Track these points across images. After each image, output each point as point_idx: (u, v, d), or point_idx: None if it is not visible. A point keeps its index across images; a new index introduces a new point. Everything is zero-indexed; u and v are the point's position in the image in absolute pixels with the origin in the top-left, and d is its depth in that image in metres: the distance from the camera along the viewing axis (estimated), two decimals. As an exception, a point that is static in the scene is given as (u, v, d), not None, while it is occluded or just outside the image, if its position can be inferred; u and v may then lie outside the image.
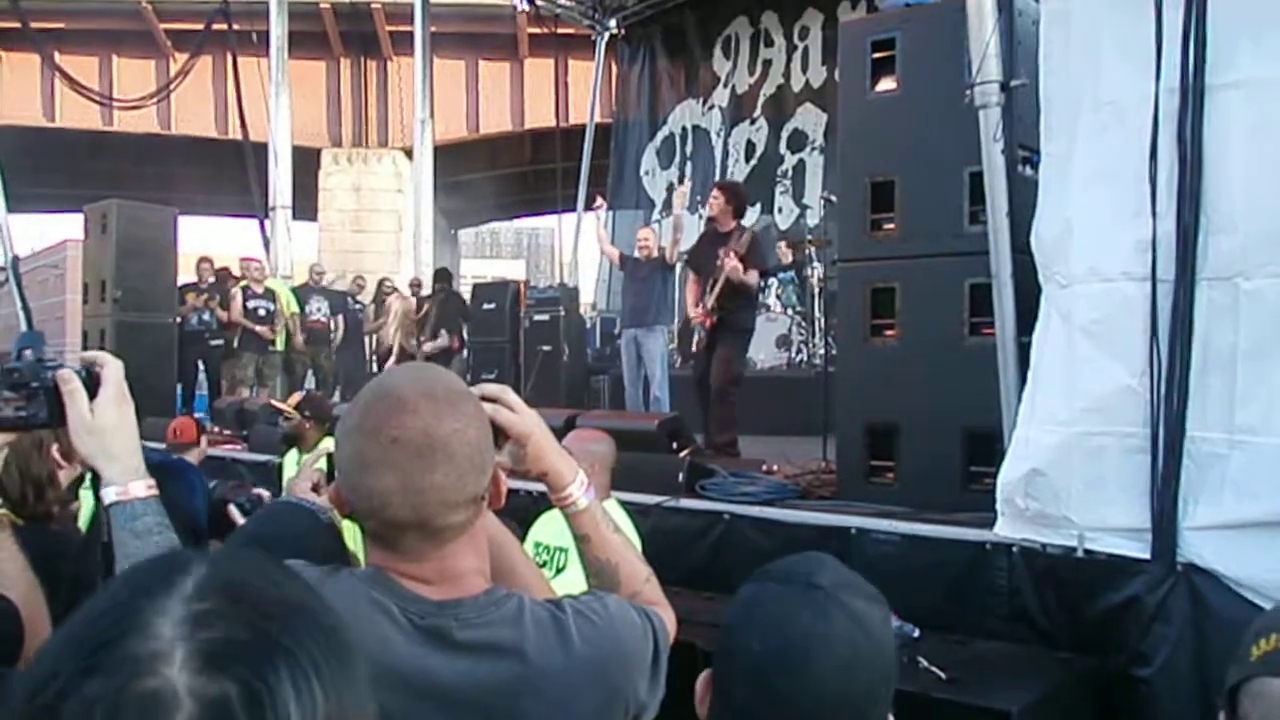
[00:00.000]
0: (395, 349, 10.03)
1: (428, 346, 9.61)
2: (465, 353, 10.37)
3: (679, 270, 7.37)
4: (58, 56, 14.63)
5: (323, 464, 1.89)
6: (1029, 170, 3.91)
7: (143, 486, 1.26)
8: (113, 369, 1.28)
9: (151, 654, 0.53)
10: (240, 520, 2.06)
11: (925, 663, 3.12)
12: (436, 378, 1.15)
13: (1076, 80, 3.44)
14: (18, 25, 10.35)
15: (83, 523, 2.06)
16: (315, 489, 1.87)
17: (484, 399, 1.25)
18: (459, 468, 1.08)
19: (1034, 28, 3.75)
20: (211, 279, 10.00)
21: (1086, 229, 3.35)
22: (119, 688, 0.52)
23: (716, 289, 5.94)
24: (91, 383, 1.25)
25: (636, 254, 7.24)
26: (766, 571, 1.07)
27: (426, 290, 10.89)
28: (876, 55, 4.53)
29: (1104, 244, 3.30)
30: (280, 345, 9.87)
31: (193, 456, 4.63)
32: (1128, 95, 3.23)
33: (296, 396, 5.24)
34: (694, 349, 6.27)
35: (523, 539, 3.09)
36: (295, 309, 10.02)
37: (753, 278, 5.99)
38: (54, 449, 1.98)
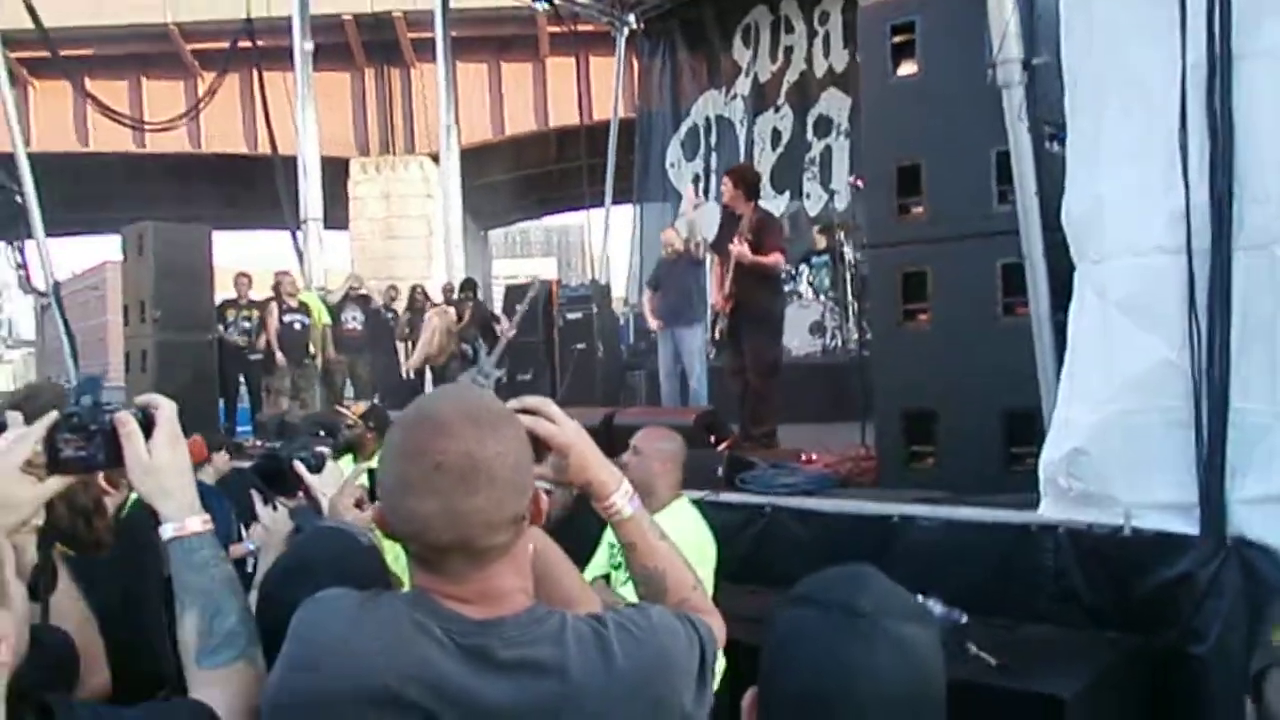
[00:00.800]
0: (434, 359, 10.09)
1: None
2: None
3: (708, 261, 7.37)
4: (88, 82, 14.92)
5: (364, 480, 1.93)
6: (1056, 147, 3.86)
7: (198, 522, 1.31)
8: (166, 410, 1.33)
9: None
10: (307, 476, 2.12)
11: (975, 649, 3.11)
12: (478, 400, 1.17)
13: (1101, 55, 3.39)
14: (48, 55, 10.57)
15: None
16: (359, 505, 1.91)
17: (524, 411, 1.27)
18: (500, 490, 1.09)
19: (1054, 3, 3.69)
20: (251, 294, 10.15)
21: (1118, 204, 3.31)
22: None
23: (730, 274, 5.88)
24: (147, 424, 1.31)
25: (662, 254, 7.31)
26: (806, 593, 1.04)
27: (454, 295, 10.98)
28: (896, 39, 4.50)
29: (1137, 218, 3.25)
30: (316, 357, 10.01)
31: (207, 474, 4.71)
32: (1155, 68, 3.18)
33: (362, 406, 5.31)
34: (717, 335, 6.23)
35: (598, 540, 3.11)
36: (327, 320, 10.15)
37: (772, 259, 5.85)
38: (100, 476, 2.03)
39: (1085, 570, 3.42)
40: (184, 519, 1.30)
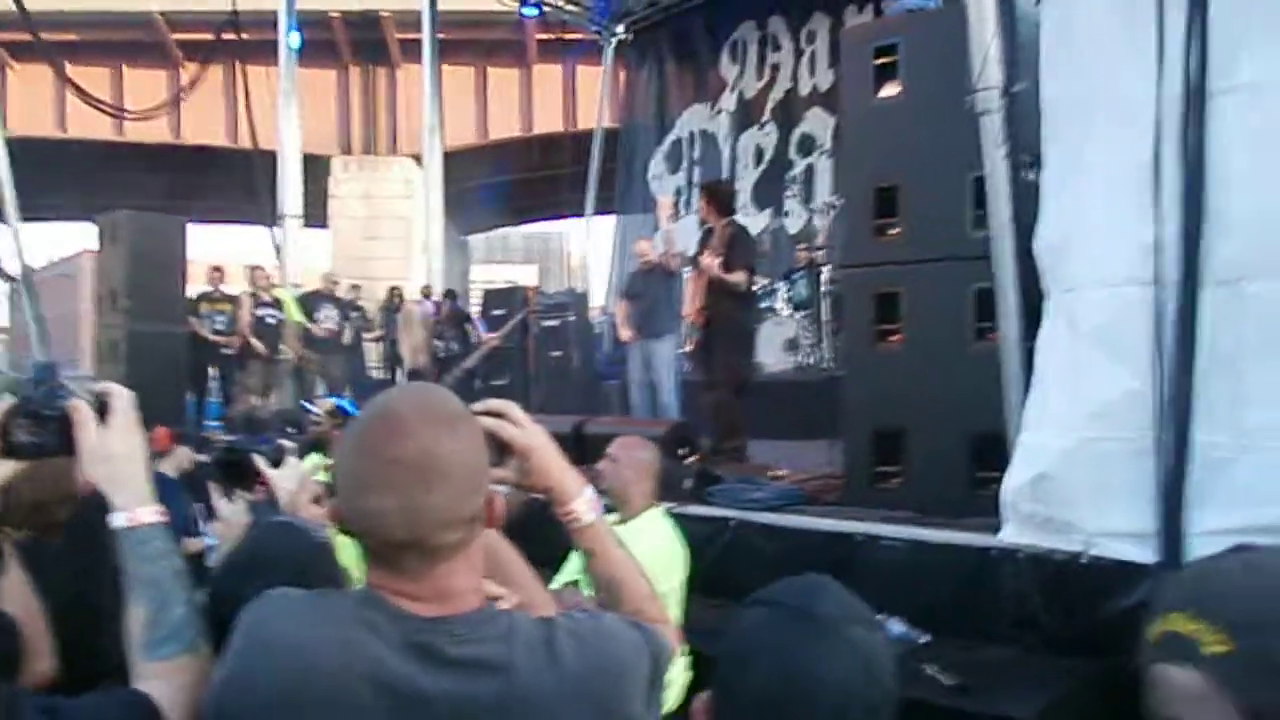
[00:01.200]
0: (415, 356, 10.04)
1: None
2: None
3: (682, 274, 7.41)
4: (69, 68, 14.74)
5: (323, 475, 1.91)
6: (1032, 175, 3.91)
7: (151, 512, 1.30)
8: (123, 399, 1.32)
9: None
10: (266, 469, 2.08)
11: (932, 670, 3.12)
12: (436, 399, 1.17)
13: (1079, 85, 3.44)
14: (29, 38, 10.45)
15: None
16: (317, 501, 1.89)
17: (488, 413, 1.27)
18: (457, 489, 1.09)
19: (1036, 32, 3.74)
20: (224, 288, 10.07)
21: (1090, 234, 3.35)
22: None
23: (702, 287, 5.90)
24: (102, 412, 1.29)
25: (636, 265, 7.33)
26: (763, 598, 1.06)
27: (436, 297, 10.94)
28: (879, 61, 4.54)
29: (1107, 249, 3.29)
30: (287, 354, 9.94)
31: (168, 465, 4.65)
32: (1130, 100, 3.23)
33: (329, 403, 5.27)
34: (690, 348, 6.26)
35: (569, 548, 3.09)
36: (300, 318, 10.09)
37: (739, 277, 5.86)
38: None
39: (1045, 595, 3.44)
40: (135, 509, 1.29)
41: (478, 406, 1.29)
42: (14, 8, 8.89)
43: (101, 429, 1.29)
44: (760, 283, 7.80)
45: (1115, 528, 3.25)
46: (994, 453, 3.91)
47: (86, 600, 1.57)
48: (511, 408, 1.32)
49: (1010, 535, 3.50)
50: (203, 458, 6.07)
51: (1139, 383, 3.18)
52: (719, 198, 6.13)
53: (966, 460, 4.14)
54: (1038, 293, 3.57)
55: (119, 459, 1.30)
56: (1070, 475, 3.31)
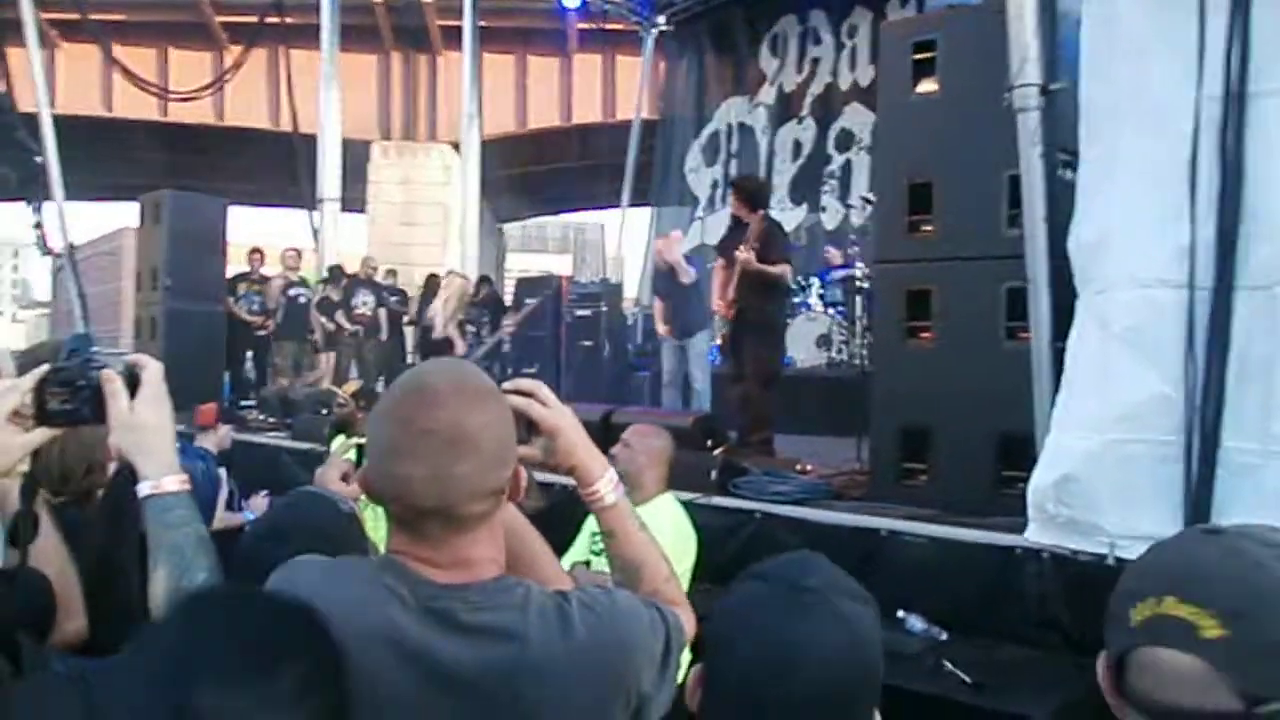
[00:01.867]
0: (445, 325, 10.08)
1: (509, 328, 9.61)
2: (503, 348, 10.47)
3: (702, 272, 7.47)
4: (116, 49, 14.98)
5: (352, 455, 1.96)
6: (1069, 174, 3.87)
7: (175, 481, 1.34)
8: (153, 370, 1.36)
9: None
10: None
11: (950, 666, 3.13)
12: (468, 373, 1.20)
13: (1118, 85, 3.40)
14: (77, 17, 10.65)
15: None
16: (344, 478, 1.94)
17: (518, 393, 1.31)
18: (484, 460, 1.13)
19: (1076, 30, 3.71)
20: (263, 270, 10.20)
21: (1124, 235, 3.32)
22: None
23: (734, 281, 5.89)
24: (133, 383, 1.34)
25: (656, 263, 7.37)
26: (756, 571, 1.08)
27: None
28: (918, 56, 4.52)
29: (1142, 250, 3.26)
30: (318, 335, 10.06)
31: (209, 440, 4.74)
32: (1170, 101, 3.19)
33: (354, 385, 5.35)
34: (719, 341, 6.26)
35: (579, 529, 3.14)
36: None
37: (781, 269, 5.88)
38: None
39: (1068, 596, 3.43)
40: (161, 477, 1.33)
41: (508, 385, 1.32)
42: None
43: (131, 400, 1.34)
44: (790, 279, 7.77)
45: (1141, 531, 3.22)
46: (1021, 452, 3.89)
47: (115, 564, 1.62)
48: (540, 387, 1.35)
49: (1035, 535, 3.48)
50: (241, 437, 6.18)
51: (1168, 386, 3.15)
52: (749, 192, 6.11)
53: (993, 459, 4.13)
54: (1070, 293, 3.55)
55: (147, 429, 1.34)
56: (1096, 477, 3.29)
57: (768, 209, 6.22)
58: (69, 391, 1.33)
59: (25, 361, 1.87)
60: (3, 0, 7.58)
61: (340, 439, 5.02)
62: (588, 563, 3.05)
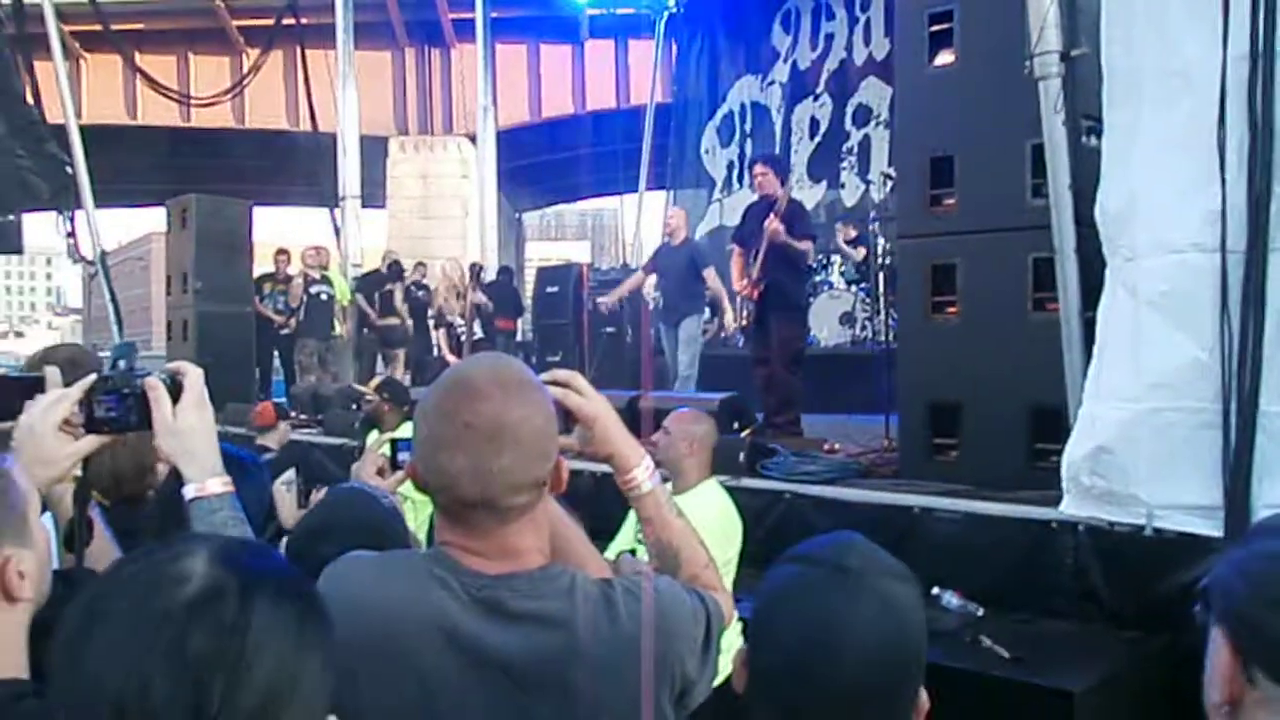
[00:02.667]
0: (440, 313, 10.13)
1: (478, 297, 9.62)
2: (522, 337, 10.50)
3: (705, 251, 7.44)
4: (138, 57, 15.13)
5: (386, 449, 1.98)
6: (1092, 140, 3.82)
7: (219, 483, 1.37)
8: (194, 376, 1.40)
9: (181, 552, 0.80)
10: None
11: (988, 642, 3.12)
12: (509, 367, 1.23)
13: (1141, 48, 3.35)
14: (99, 28, 10.76)
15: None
16: (380, 473, 1.97)
17: (554, 384, 1.32)
18: (526, 453, 1.15)
19: (1096, -5, 3.65)
20: (289, 270, 10.29)
21: (1153, 200, 3.27)
22: (155, 564, 0.80)
23: (760, 258, 5.84)
24: (175, 389, 1.37)
25: (663, 237, 7.24)
26: (797, 553, 1.09)
27: (491, 276, 11.06)
28: (934, 28, 4.47)
29: (1172, 215, 3.22)
30: (340, 331, 10.14)
31: (273, 439, 4.81)
32: (1196, 63, 3.14)
33: (376, 380, 5.41)
34: (744, 323, 6.23)
35: (624, 516, 3.15)
36: (349, 297, 10.26)
37: (806, 245, 5.87)
38: None
39: (1106, 569, 3.41)
40: (205, 480, 1.36)
41: (545, 376, 1.33)
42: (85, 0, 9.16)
43: (175, 405, 1.37)
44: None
45: (1179, 500, 3.20)
46: (1053, 425, 3.86)
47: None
48: (576, 377, 1.37)
49: (1070, 508, 3.45)
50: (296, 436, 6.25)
51: (1204, 352, 3.11)
52: (779, 166, 6.09)
53: (1025, 433, 4.10)
54: (1099, 262, 3.51)
55: (190, 433, 1.37)
56: (1132, 447, 3.25)
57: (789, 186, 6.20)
58: (115, 399, 1.37)
59: (39, 361, 1.91)
60: (28, 15, 7.66)
61: (374, 434, 5.08)
62: (633, 551, 3.06)
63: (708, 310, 10.62)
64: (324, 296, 9.86)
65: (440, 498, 1.18)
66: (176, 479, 1.51)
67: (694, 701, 1.26)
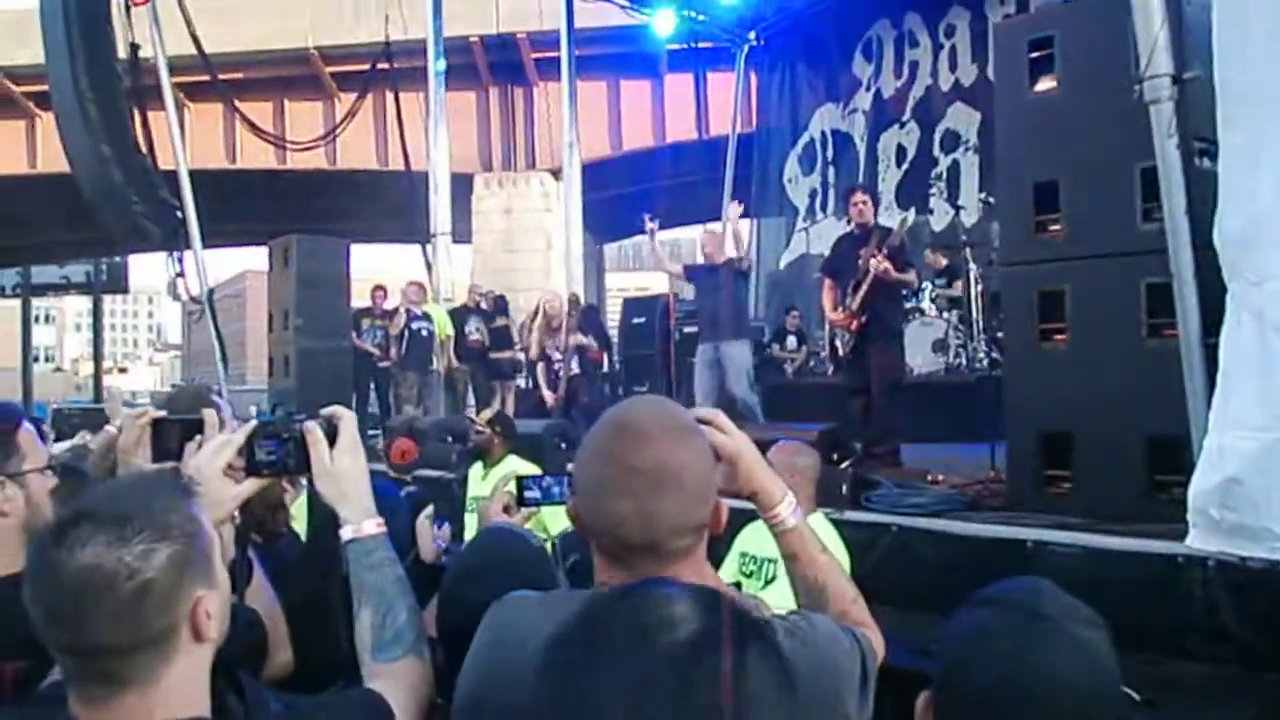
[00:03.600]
0: (536, 349, 10.25)
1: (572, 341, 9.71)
2: (608, 367, 10.57)
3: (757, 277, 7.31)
4: (238, 104, 15.84)
5: (511, 487, 2.01)
6: (1206, 163, 3.72)
7: (373, 525, 1.43)
8: (348, 421, 1.47)
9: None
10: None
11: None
12: (671, 411, 1.24)
13: (1258, 67, 3.27)
14: (205, 78, 11.32)
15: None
16: (506, 510, 2.00)
17: (698, 421, 1.32)
18: (689, 498, 1.16)
19: (1204, 16, 3.57)
20: (385, 305, 10.57)
21: (1277, 224, 3.17)
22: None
23: (862, 290, 5.82)
24: (331, 433, 1.43)
25: (700, 259, 7.18)
26: (985, 599, 1.08)
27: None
28: (1034, 54, 4.42)
29: (1299, 238, 3.11)
30: (438, 365, 10.33)
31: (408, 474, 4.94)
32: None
33: (488, 413, 5.50)
34: (841, 354, 6.17)
35: (728, 549, 3.16)
36: (450, 331, 10.46)
37: (910, 276, 5.93)
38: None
39: (1239, 606, 3.27)
40: (361, 522, 1.43)
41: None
42: (192, 51, 9.63)
43: (331, 450, 1.44)
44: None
45: (1315, 534, 3.06)
46: (1173, 455, 3.74)
47: (325, 603, 1.71)
48: (719, 415, 1.37)
49: (1198, 542, 3.34)
50: (373, 466, 6.39)
51: (1338, 379, 2.99)
52: (876, 199, 6.14)
53: (1143, 464, 3.97)
54: (1218, 286, 3.40)
55: (346, 477, 1.44)
56: (1263, 478, 3.14)
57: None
58: (276, 444, 1.45)
59: (167, 404, 2.00)
60: (142, 69, 8.11)
61: (478, 466, 5.17)
62: (738, 584, 3.07)
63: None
64: (424, 332, 10.08)
65: (603, 541, 1.19)
66: (325, 523, 1.57)
67: None
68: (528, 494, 1.92)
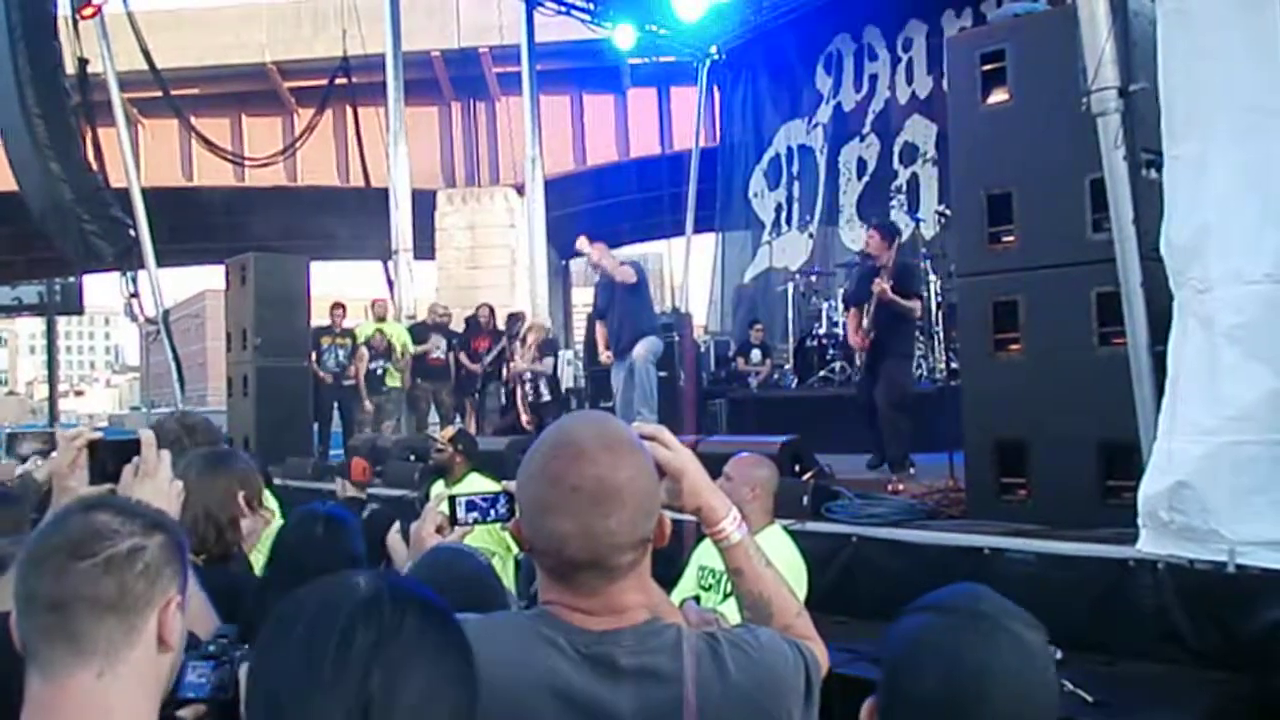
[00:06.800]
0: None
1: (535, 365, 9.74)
2: (573, 383, 10.55)
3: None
4: (193, 120, 15.67)
5: (443, 507, 1.96)
6: (1152, 174, 3.80)
7: None
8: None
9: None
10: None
11: (1070, 685, 3.04)
12: (613, 429, 1.23)
13: (1204, 80, 3.34)
14: (158, 94, 11.15)
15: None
16: (439, 530, 1.96)
17: (642, 437, 1.31)
18: (631, 514, 1.16)
19: (1150, 29, 3.65)
20: (345, 323, 10.46)
21: (1227, 232, 3.24)
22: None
23: (870, 313, 6.26)
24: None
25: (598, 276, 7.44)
26: (926, 604, 1.08)
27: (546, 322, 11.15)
28: (986, 67, 4.49)
29: (1247, 246, 3.19)
30: (395, 383, 10.24)
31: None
32: (1258, 92, 3.13)
33: (450, 430, 5.45)
34: (857, 373, 6.60)
35: (686, 563, 3.14)
36: (411, 350, 10.35)
37: (909, 303, 6.24)
38: (240, 496, 2.16)
39: (1188, 608, 3.32)
40: None
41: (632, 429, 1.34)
42: (144, 66, 9.51)
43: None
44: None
45: (1262, 536, 3.12)
46: (1125, 461, 3.80)
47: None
48: (662, 431, 1.36)
49: (1148, 546, 3.39)
50: (331, 486, 6.33)
51: (1282, 384, 3.05)
52: (886, 233, 6.42)
53: (1095, 470, 4.03)
54: (1165, 294, 3.47)
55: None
56: (1211, 482, 3.19)
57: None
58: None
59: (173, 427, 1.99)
60: (91, 84, 8.00)
61: (439, 484, 5.12)
62: (697, 598, 3.06)
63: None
64: (379, 371, 10.00)
65: (547, 560, 1.18)
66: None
67: None
68: (466, 513, 1.88)
